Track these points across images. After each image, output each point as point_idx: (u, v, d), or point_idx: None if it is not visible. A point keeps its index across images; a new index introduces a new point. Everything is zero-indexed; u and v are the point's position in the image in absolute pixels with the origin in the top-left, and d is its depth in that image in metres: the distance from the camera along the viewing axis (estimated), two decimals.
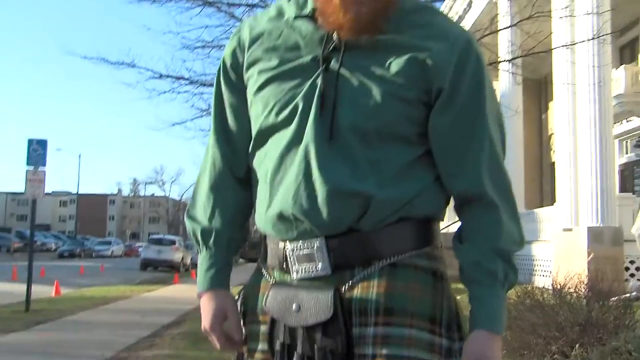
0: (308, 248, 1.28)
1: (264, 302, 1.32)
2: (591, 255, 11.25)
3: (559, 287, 4.69)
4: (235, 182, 1.46)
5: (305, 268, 1.30)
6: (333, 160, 1.25)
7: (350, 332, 1.24)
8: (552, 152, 20.89)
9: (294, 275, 1.31)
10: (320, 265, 1.28)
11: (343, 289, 1.26)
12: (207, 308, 1.40)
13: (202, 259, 1.44)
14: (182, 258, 27.40)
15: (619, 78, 16.93)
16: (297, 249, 1.30)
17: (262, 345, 1.34)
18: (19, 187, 10.27)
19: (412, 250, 1.28)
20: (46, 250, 46.88)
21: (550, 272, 12.58)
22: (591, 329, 4.18)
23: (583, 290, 4.69)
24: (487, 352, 1.25)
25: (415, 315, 1.24)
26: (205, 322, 1.40)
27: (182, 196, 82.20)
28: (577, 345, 3.91)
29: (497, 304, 1.28)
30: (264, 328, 1.34)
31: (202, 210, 1.45)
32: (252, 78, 1.37)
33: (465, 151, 1.30)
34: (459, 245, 1.33)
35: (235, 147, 1.45)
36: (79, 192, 63.11)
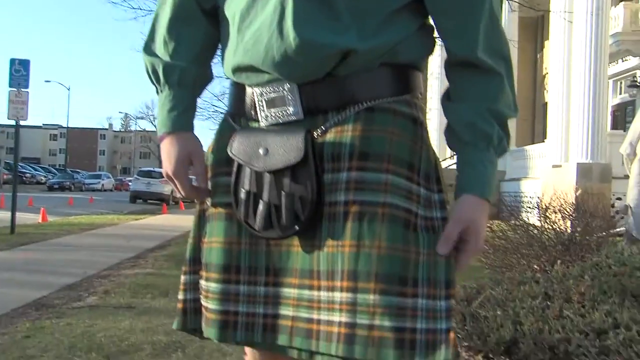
0: (278, 91, 1.18)
1: (230, 148, 1.22)
2: (578, 191, 11.24)
3: (544, 207, 4.66)
4: (201, 14, 1.31)
5: (275, 113, 1.19)
6: (312, 11, 1.12)
7: (321, 178, 1.14)
8: (545, 92, 20.70)
9: (263, 122, 1.21)
10: (291, 109, 1.18)
11: (316, 135, 1.16)
12: (170, 152, 1.28)
13: (164, 98, 1.30)
14: (172, 191, 27.31)
15: (618, 16, 16.64)
16: (266, 93, 1.19)
17: (226, 198, 1.24)
18: (6, 119, 9.89)
19: (391, 96, 1.18)
20: (36, 182, 46.72)
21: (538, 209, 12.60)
22: (574, 248, 4.16)
23: (568, 210, 4.66)
24: (478, 218, 1.16)
25: (392, 160, 1.14)
26: (168, 167, 1.28)
27: None
28: (558, 262, 3.90)
29: (490, 169, 1.19)
30: (229, 179, 1.23)
31: (164, 44, 1.31)
32: None
33: (463, 8, 1.18)
34: (450, 104, 1.23)
35: None
36: (69, 126, 62.43)
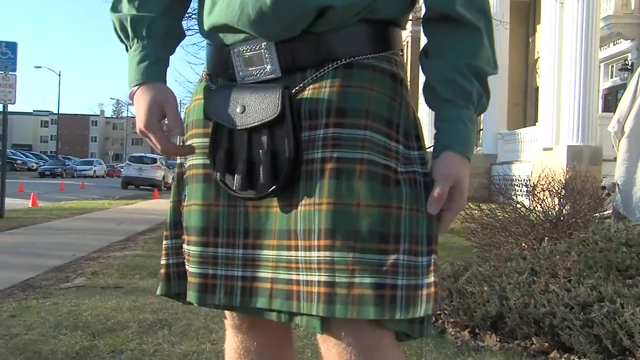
0: (255, 50, 1.15)
1: (207, 107, 1.19)
2: (569, 175, 11.26)
3: (532, 185, 4.65)
4: None
5: (252, 71, 1.17)
6: None
7: (299, 136, 1.12)
8: (537, 76, 20.66)
9: (241, 81, 1.19)
10: (269, 67, 1.15)
11: (294, 92, 1.14)
12: (141, 104, 1.21)
13: (133, 52, 1.25)
14: (164, 177, 27.26)
15: None
16: (243, 52, 1.17)
17: (204, 159, 1.22)
18: None
19: (370, 52, 1.15)
20: (27, 169, 46.41)
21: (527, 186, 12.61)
22: (562, 225, 4.15)
23: (556, 188, 4.65)
24: (463, 175, 1.14)
25: (370, 116, 1.11)
26: (140, 120, 1.21)
27: None
28: (546, 239, 3.89)
29: (470, 128, 1.16)
30: (207, 140, 1.21)
31: (129, 0, 1.26)
32: None
33: None
34: (428, 61, 1.20)
35: None
36: (60, 112, 61.94)
